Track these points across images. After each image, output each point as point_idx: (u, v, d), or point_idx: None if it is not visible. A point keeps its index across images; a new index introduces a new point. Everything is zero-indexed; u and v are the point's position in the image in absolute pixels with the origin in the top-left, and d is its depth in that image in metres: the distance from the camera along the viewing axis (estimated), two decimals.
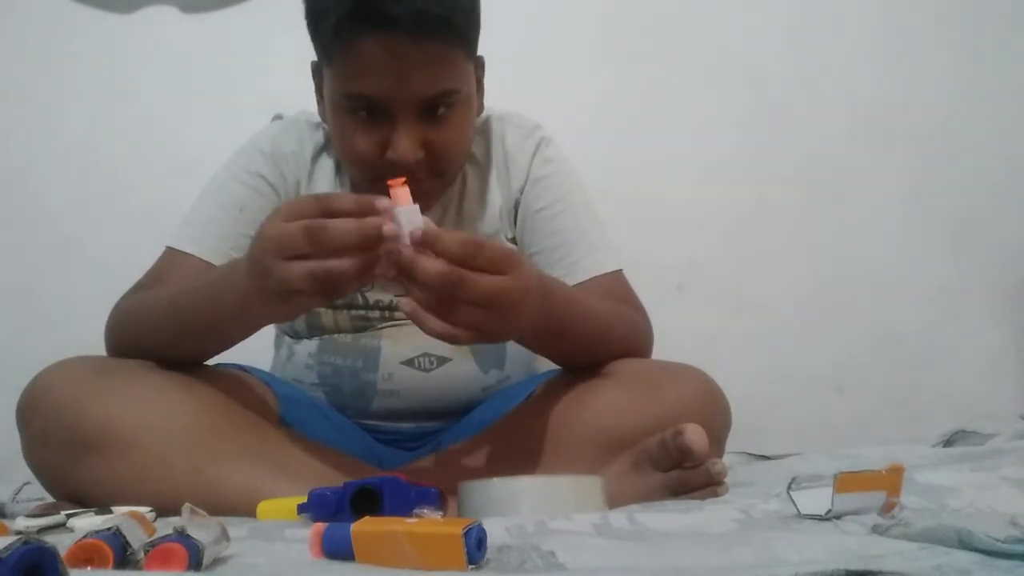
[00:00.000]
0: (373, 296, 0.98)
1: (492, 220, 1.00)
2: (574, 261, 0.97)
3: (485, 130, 1.03)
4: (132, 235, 1.41)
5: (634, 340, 0.92)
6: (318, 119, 0.99)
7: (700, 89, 1.53)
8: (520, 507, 0.63)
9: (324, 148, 1.00)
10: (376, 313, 0.99)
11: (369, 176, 0.89)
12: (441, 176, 0.92)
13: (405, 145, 0.85)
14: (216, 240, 0.93)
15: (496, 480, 0.67)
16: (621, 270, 0.99)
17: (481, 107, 0.99)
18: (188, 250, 0.93)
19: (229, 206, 0.95)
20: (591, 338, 0.87)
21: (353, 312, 0.99)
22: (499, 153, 1.02)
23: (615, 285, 0.97)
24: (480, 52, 0.97)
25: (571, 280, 0.95)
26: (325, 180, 0.99)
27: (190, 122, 1.47)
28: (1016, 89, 1.55)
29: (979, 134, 1.54)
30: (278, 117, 1.05)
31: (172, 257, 0.94)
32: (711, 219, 1.51)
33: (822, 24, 1.56)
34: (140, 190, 1.47)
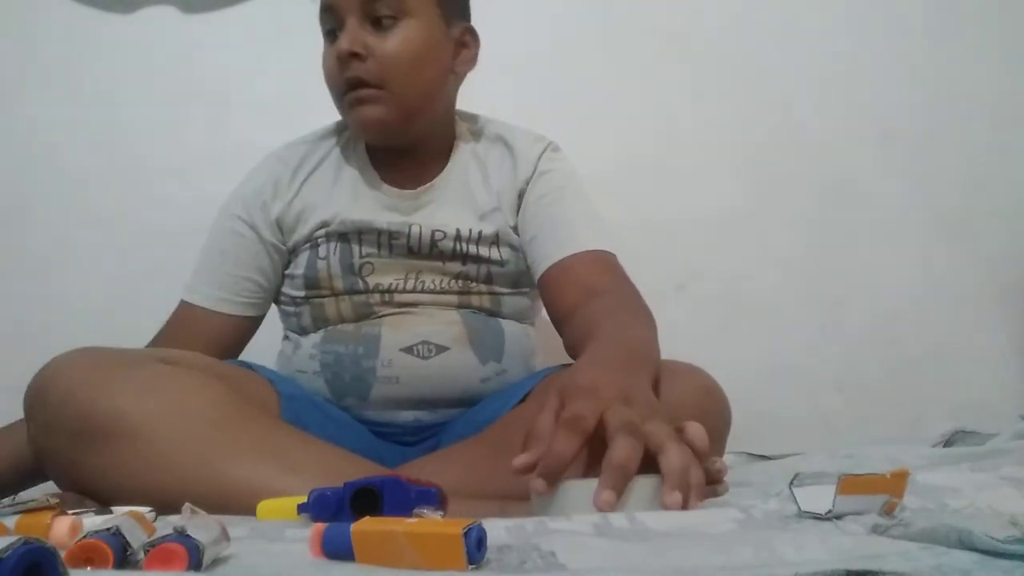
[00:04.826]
0: (373, 280, 1.02)
1: (491, 199, 1.05)
2: (569, 236, 1.01)
3: (486, 122, 1.11)
4: (131, 235, 1.42)
5: (652, 324, 0.90)
6: (291, 141, 1.09)
7: (700, 88, 1.53)
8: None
9: (313, 147, 1.08)
10: (376, 297, 1.02)
11: (337, 95, 1.01)
12: (386, 88, 0.97)
13: (344, 41, 0.96)
14: (209, 287, 1.05)
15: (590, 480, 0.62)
16: (616, 255, 1.01)
17: (462, 72, 1.06)
18: (189, 300, 1.05)
19: (214, 252, 1.07)
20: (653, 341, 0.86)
21: (355, 298, 1.02)
22: (504, 144, 1.08)
23: (609, 261, 0.99)
24: (483, 49, 0.98)
25: (565, 252, 0.98)
26: (331, 166, 1.07)
27: (190, 122, 1.47)
28: (1016, 89, 1.55)
29: (979, 134, 1.54)
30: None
31: (178, 309, 1.06)
32: (711, 219, 1.51)
33: (822, 24, 1.55)
34: (139, 190, 1.47)
